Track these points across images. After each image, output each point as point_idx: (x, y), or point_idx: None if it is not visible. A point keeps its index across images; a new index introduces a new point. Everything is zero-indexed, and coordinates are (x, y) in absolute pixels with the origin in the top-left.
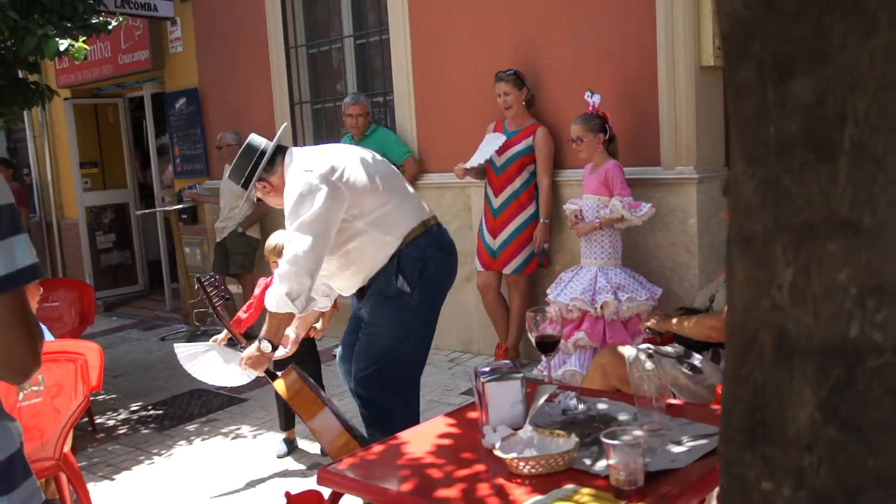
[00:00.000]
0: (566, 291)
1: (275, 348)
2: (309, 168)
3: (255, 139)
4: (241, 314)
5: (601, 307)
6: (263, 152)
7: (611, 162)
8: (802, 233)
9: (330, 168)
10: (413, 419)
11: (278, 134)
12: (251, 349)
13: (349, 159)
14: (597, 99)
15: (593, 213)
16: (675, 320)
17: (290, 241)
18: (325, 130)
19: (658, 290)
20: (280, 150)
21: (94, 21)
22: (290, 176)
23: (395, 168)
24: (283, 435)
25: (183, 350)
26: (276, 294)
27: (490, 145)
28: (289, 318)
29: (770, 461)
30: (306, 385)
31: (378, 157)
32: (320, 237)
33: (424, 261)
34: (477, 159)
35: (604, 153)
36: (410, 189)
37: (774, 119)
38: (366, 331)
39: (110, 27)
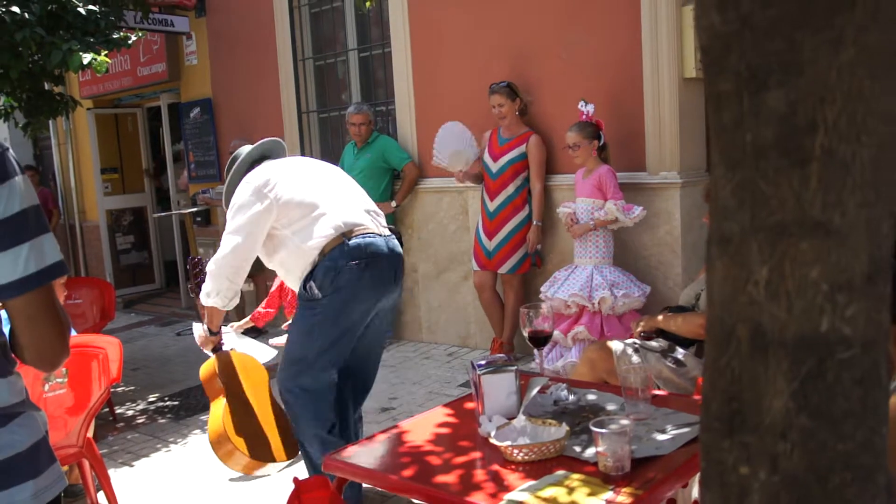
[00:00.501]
0: (563, 288)
1: (213, 333)
2: (248, 180)
3: (241, 151)
4: (261, 309)
5: (599, 303)
6: (242, 162)
7: (604, 167)
8: (777, 233)
9: (264, 181)
10: (323, 427)
11: (258, 145)
12: (199, 330)
13: (286, 173)
14: (591, 108)
15: (587, 215)
16: (661, 317)
17: (221, 244)
18: (331, 138)
19: (647, 287)
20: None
21: (115, 36)
22: (237, 188)
23: (343, 181)
24: None
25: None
26: (203, 289)
27: (456, 142)
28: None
29: (747, 447)
30: (217, 373)
31: (331, 169)
32: (242, 244)
33: (336, 270)
34: (443, 158)
35: (596, 159)
36: (352, 201)
37: (750, 127)
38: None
39: (130, 42)
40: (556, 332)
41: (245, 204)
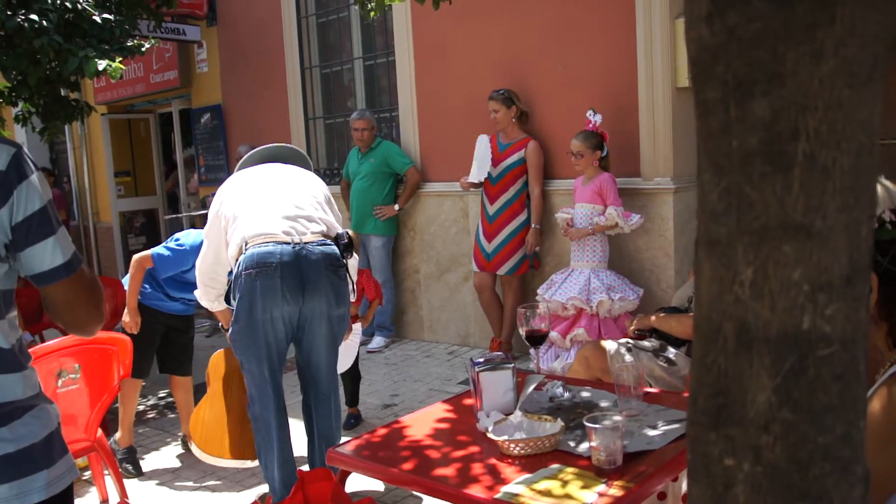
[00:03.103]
0: (561, 291)
1: (225, 329)
2: (220, 189)
3: (241, 152)
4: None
5: (597, 305)
6: (238, 166)
7: (605, 174)
8: (761, 235)
9: (220, 190)
10: (279, 432)
11: (256, 150)
12: None
13: (238, 182)
14: (598, 119)
15: (586, 220)
16: (653, 318)
17: None
18: (337, 143)
19: (640, 290)
20: None
21: (129, 44)
22: None
23: (281, 189)
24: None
25: None
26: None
27: (484, 156)
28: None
29: (731, 440)
30: (211, 368)
31: (281, 177)
32: (205, 251)
33: (237, 279)
34: (478, 175)
35: (597, 167)
36: (273, 209)
37: (737, 133)
38: None
39: (143, 49)
40: (553, 334)
41: (210, 211)
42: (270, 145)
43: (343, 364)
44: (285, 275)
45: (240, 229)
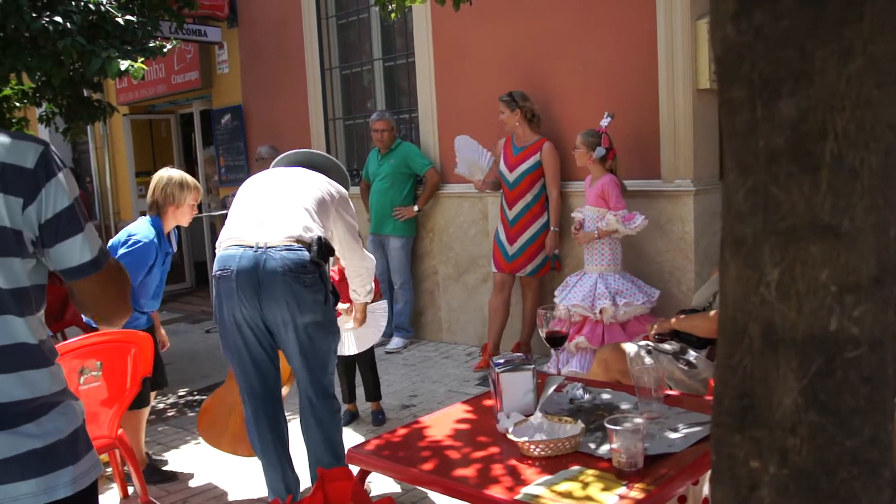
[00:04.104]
0: (570, 295)
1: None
2: None
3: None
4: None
5: (600, 312)
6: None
7: (607, 177)
8: (788, 236)
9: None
10: (258, 436)
11: (289, 154)
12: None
13: (243, 188)
14: (606, 121)
15: (593, 223)
16: (673, 320)
17: None
18: (357, 144)
19: (656, 292)
20: None
21: (151, 45)
22: None
23: (271, 194)
24: (345, 406)
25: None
26: None
27: (473, 154)
28: None
29: (757, 442)
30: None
31: (277, 182)
32: None
33: (213, 279)
34: (467, 170)
35: (600, 167)
36: (251, 214)
37: (763, 133)
38: None
39: (165, 50)
40: None
41: None
42: (305, 150)
43: (363, 343)
44: (240, 279)
45: (222, 231)
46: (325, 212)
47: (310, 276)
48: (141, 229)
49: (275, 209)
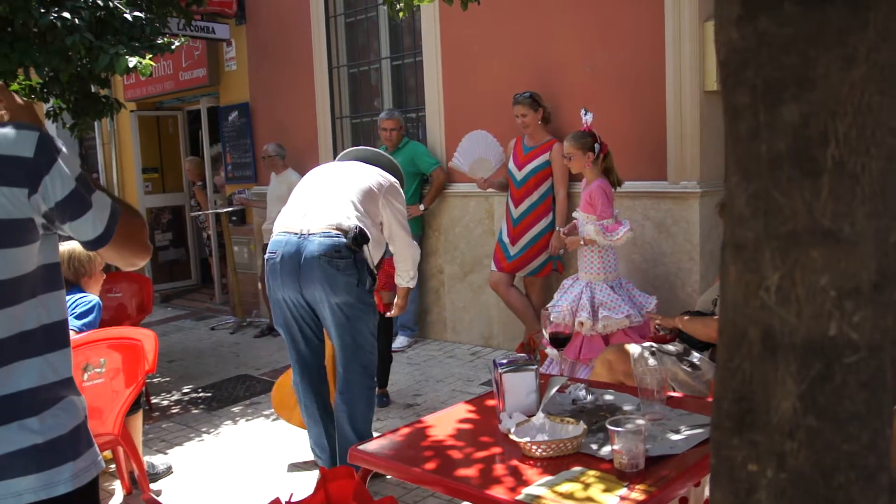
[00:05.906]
0: (559, 302)
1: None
2: None
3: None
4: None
5: (580, 325)
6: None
7: (595, 182)
8: (788, 241)
9: None
10: (304, 396)
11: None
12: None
13: (301, 181)
14: (589, 118)
15: (582, 228)
16: (677, 319)
17: None
18: (363, 143)
19: (651, 301)
20: None
21: (159, 42)
22: None
23: (320, 186)
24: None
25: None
26: None
27: (476, 148)
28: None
29: (756, 445)
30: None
31: (327, 175)
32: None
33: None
34: (464, 165)
35: (594, 170)
36: (302, 204)
37: (765, 138)
38: None
39: (173, 47)
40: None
41: None
42: (373, 149)
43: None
44: (284, 261)
45: (276, 220)
46: (373, 200)
47: (343, 260)
48: (84, 297)
49: (321, 200)
